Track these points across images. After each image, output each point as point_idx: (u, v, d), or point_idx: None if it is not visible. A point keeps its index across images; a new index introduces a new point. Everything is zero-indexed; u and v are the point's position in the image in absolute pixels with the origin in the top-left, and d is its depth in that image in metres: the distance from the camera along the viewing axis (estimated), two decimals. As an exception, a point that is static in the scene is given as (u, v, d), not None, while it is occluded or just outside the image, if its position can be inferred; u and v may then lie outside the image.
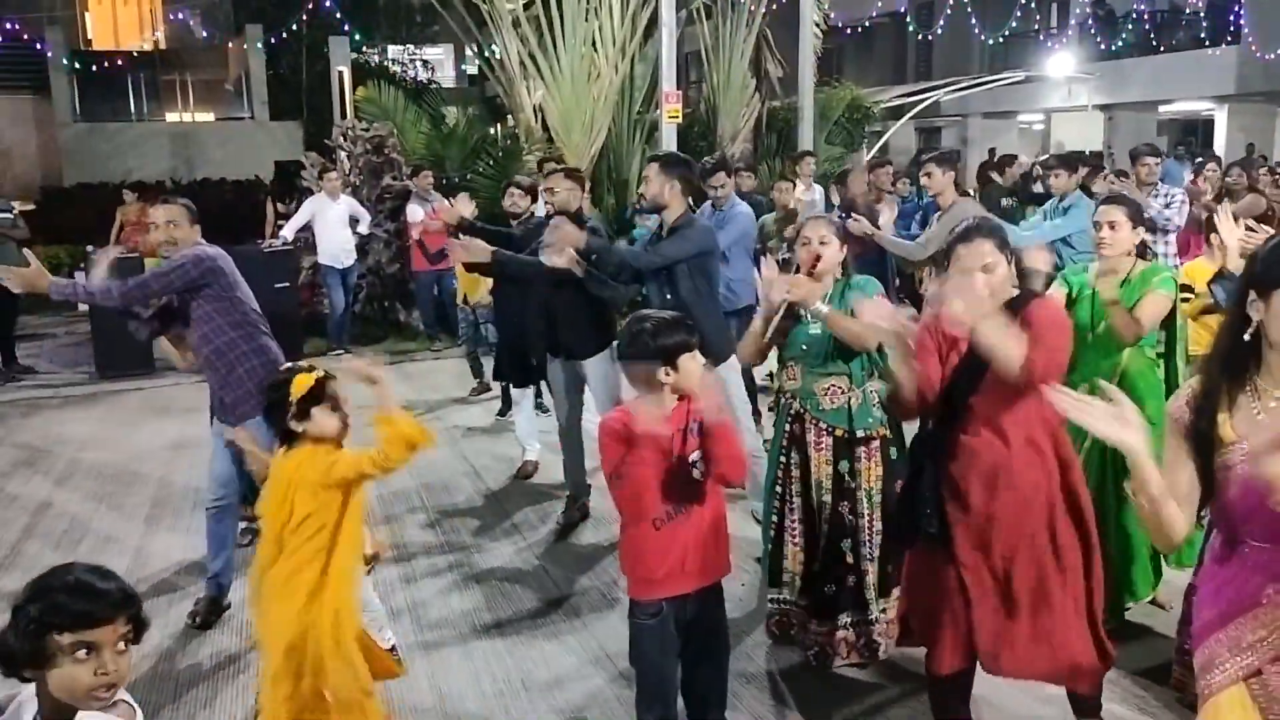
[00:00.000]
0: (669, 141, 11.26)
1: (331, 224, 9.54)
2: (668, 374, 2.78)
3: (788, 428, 3.75)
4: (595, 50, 11.48)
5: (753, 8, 12.29)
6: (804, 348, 3.68)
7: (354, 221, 9.73)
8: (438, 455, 6.31)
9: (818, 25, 12.63)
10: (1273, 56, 17.86)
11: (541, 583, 4.66)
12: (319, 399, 2.94)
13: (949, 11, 17.32)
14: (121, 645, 1.73)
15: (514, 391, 6.27)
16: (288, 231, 9.57)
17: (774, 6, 13.03)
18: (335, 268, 9.54)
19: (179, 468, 6.41)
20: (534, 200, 6.34)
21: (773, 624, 3.89)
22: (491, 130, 13.45)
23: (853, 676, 3.68)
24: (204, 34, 27.33)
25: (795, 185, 7.99)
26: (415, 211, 9.20)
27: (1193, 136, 23.95)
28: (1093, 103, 22.40)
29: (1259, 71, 18.47)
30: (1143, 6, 19.24)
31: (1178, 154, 16.90)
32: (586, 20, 11.35)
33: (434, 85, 20.49)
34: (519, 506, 5.69)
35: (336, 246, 9.55)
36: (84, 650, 1.68)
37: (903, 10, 16.98)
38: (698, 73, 13.39)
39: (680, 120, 11.75)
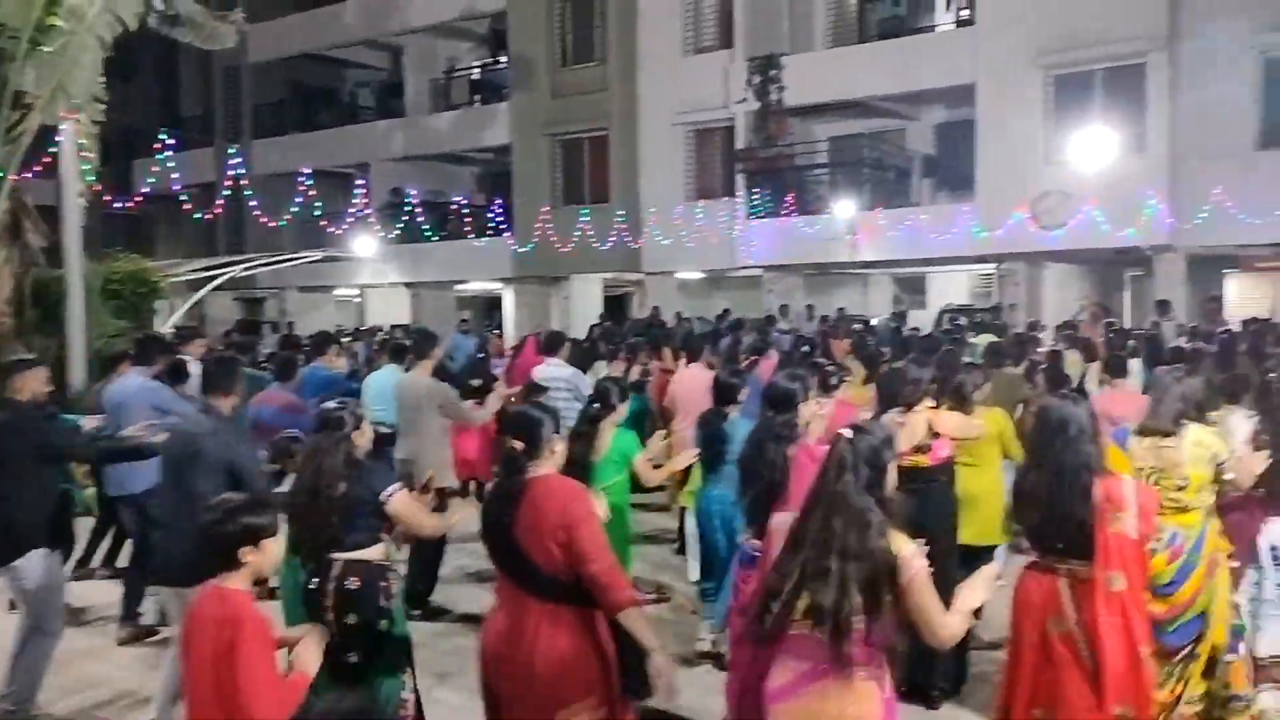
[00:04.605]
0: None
1: None
2: (250, 554, 2.97)
3: None
4: None
5: (-1, 174, 11.16)
6: None
7: None
8: None
9: (83, 196, 11.86)
10: (527, 249, 21.23)
11: None
12: None
13: (227, 194, 17.64)
14: None
15: None
16: None
17: (35, 172, 11.98)
18: None
19: None
20: None
21: None
22: None
23: None
24: None
25: None
26: None
27: (497, 310, 27.16)
28: (399, 280, 24.31)
29: (531, 259, 21.66)
30: (419, 198, 21.61)
31: (463, 329, 18.84)
32: None
33: None
34: None
35: None
36: None
37: (177, 188, 16.78)
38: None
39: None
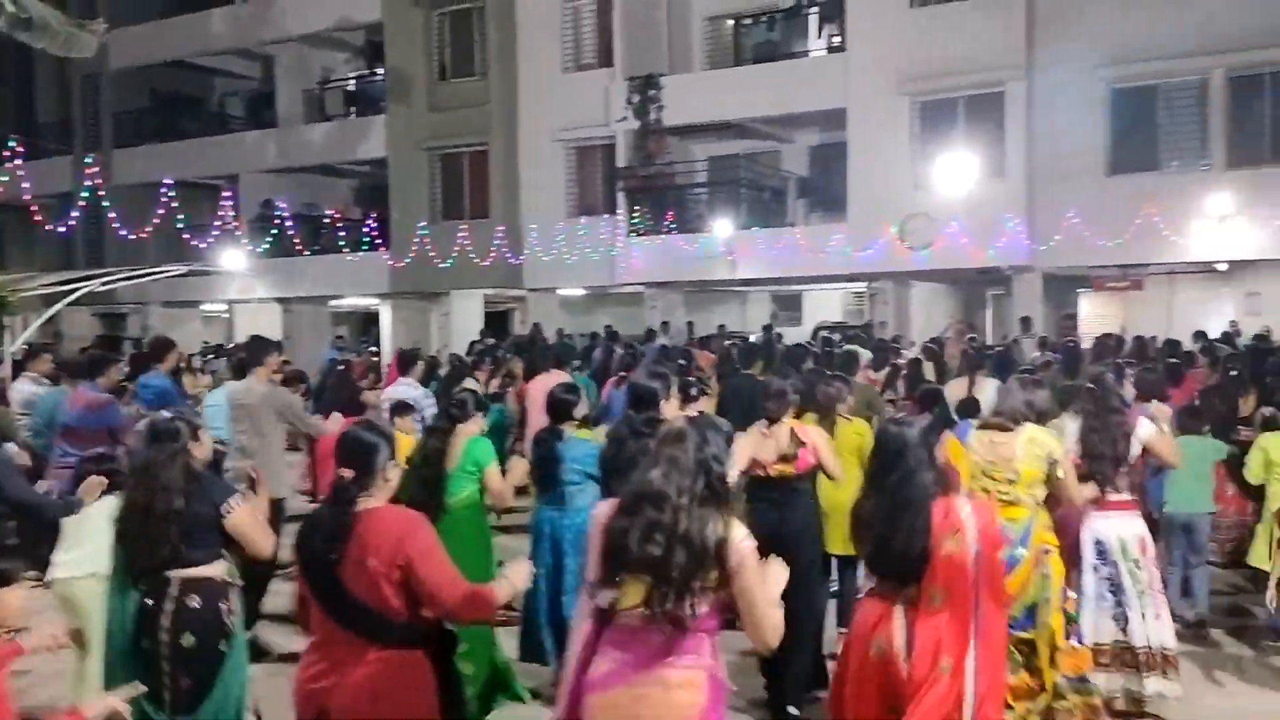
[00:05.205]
0: None
1: None
2: None
3: None
4: None
5: None
6: None
7: None
8: None
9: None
10: (405, 264, 20.89)
11: None
12: None
13: (84, 202, 16.79)
14: None
15: None
16: None
17: None
18: None
19: None
20: None
21: None
22: None
23: None
24: None
25: None
26: None
27: (375, 326, 26.57)
28: (271, 295, 23.56)
29: (409, 274, 21.29)
30: (287, 211, 21.05)
31: (338, 345, 18.45)
32: None
33: None
34: None
35: None
36: None
37: (28, 197, 15.88)
38: None
39: None
